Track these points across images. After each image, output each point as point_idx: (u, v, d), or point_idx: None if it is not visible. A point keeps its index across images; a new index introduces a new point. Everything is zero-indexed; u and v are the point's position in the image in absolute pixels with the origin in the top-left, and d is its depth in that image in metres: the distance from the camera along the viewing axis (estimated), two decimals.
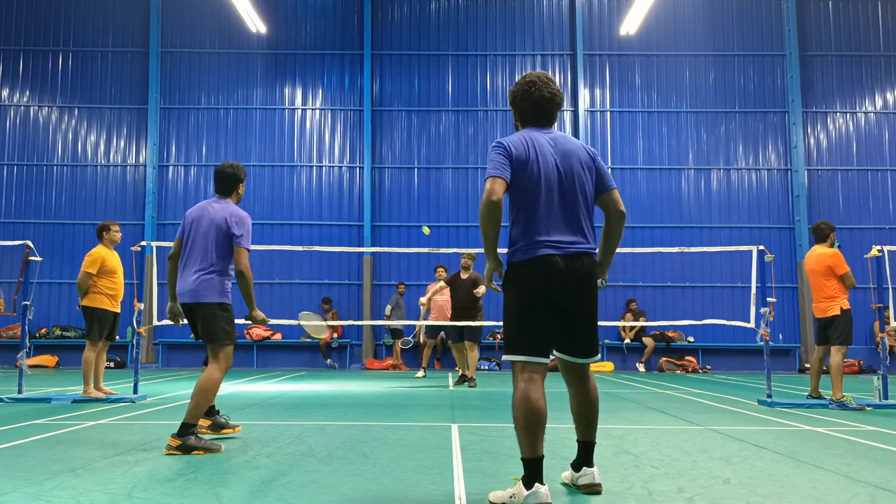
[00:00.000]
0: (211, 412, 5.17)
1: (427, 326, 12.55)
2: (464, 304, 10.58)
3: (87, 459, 4.13)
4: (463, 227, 17.03)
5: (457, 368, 11.11)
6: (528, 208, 3.29)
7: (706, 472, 3.91)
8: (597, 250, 3.49)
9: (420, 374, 12.71)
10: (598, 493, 3.37)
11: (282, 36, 17.74)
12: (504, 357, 3.31)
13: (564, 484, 3.59)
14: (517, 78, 3.46)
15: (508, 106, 3.73)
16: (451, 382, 11.21)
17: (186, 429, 4.47)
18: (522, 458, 3.12)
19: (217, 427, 5.17)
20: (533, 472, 3.07)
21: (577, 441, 3.50)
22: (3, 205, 17.19)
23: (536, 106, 3.48)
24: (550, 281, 3.21)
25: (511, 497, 3.10)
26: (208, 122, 17.51)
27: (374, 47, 17.60)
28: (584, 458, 3.46)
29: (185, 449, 4.40)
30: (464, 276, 10.72)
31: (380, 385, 10.76)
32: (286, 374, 13.51)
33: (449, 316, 11.11)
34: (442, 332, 12.94)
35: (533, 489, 3.03)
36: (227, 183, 5.44)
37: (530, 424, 3.11)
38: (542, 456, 3.11)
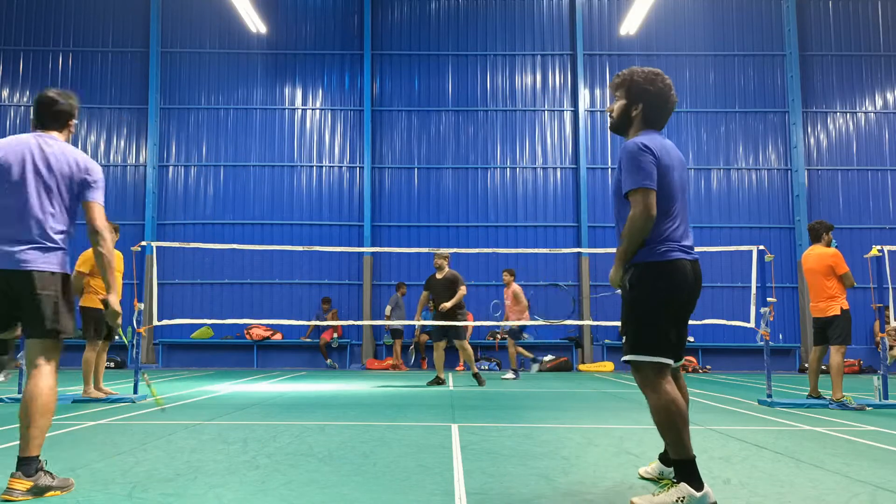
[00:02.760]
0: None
1: (430, 330, 12.62)
2: (442, 303, 10.58)
3: (87, 459, 4.13)
4: (463, 227, 17.03)
5: (440, 372, 10.76)
6: (669, 215, 3.26)
7: (706, 472, 3.91)
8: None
9: (510, 375, 12.33)
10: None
11: (282, 36, 17.74)
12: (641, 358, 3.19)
13: (644, 478, 3.66)
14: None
15: (620, 90, 3.42)
16: (451, 382, 11.21)
17: (32, 464, 3.28)
18: (684, 460, 3.04)
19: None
20: (696, 471, 3.03)
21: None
22: None
23: (668, 111, 3.40)
24: (686, 284, 3.25)
25: (679, 500, 2.98)
26: (208, 122, 17.52)
27: (374, 47, 17.60)
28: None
29: (39, 491, 3.24)
30: (439, 276, 10.74)
31: (380, 385, 10.77)
32: (286, 374, 13.51)
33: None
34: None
35: (705, 489, 3.01)
36: (57, 114, 3.68)
37: (685, 424, 3.10)
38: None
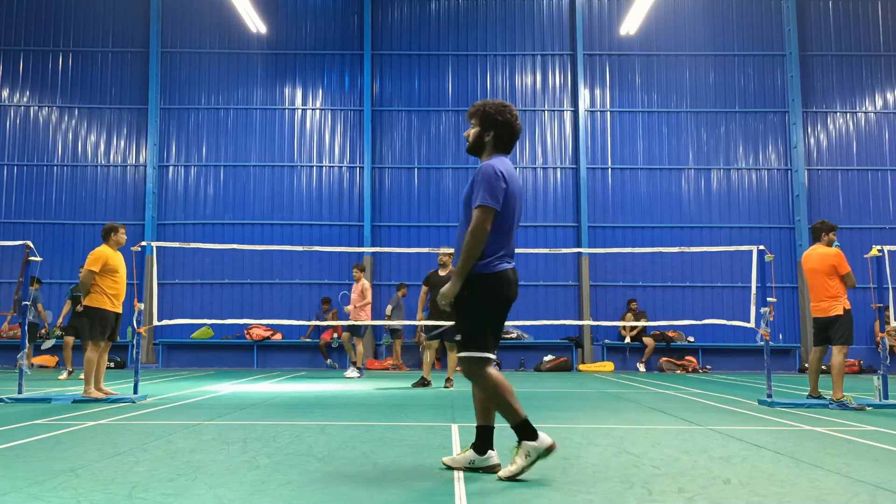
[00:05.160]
0: None
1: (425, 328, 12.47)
2: None
3: (87, 459, 4.13)
4: None
5: (427, 373, 10.56)
6: (504, 233, 3.80)
7: (706, 471, 3.91)
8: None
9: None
10: (498, 472, 3.75)
11: (282, 36, 17.74)
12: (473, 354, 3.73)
13: (448, 467, 3.91)
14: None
15: (475, 119, 4.03)
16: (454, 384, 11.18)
17: None
18: (519, 423, 3.63)
19: None
20: (531, 427, 3.64)
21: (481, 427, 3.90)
22: (3, 205, 17.20)
23: (514, 137, 4.02)
24: (510, 291, 3.80)
25: (527, 456, 3.60)
26: (208, 122, 17.52)
27: (374, 47, 17.60)
28: (487, 442, 3.87)
29: None
30: (442, 273, 10.51)
31: (380, 385, 10.76)
32: (286, 374, 13.51)
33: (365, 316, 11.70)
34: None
35: (540, 437, 3.62)
36: None
37: (513, 395, 3.69)
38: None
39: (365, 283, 12.43)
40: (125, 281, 8.25)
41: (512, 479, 3.61)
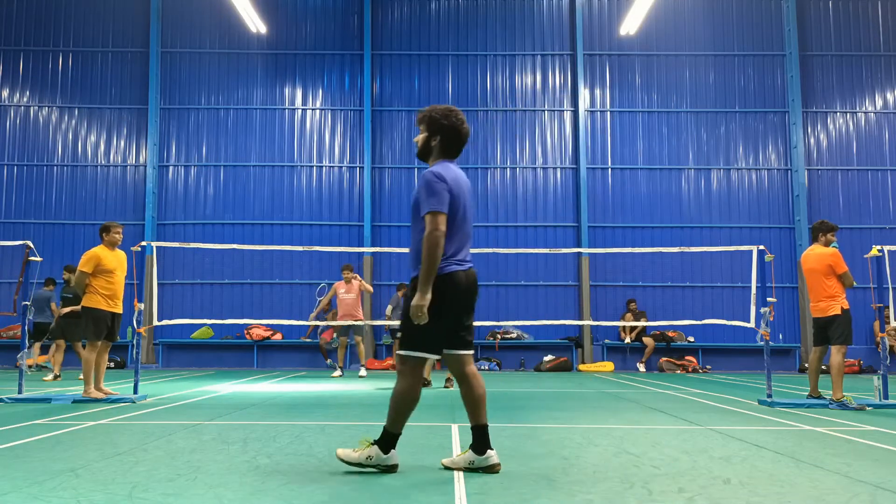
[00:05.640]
0: None
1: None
2: None
3: (87, 459, 4.13)
4: None
5: (427, 374, 10.70)
6: (452, 235, 3.84)
7: (706, 471, 3.91)
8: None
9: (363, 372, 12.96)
10: (498, 471, 3.83)
11: (282, 36, 17.74)
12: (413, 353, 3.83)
13: (450, 468, 3.94)
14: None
15: (422, 125, 4.04)
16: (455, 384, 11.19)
17: None
18: (392, 433, 3.79)
19: None
20: (393, 443, 3.82)
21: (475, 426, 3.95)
22: (3, 205, 17.20)
23: (461, 141, 4.00)
24: (460, 291, 3.84)
25: (367, 458, 3.78)
26: (208, 122, 17.52)
27: (374, 47, 17.60)
28: (486, 441, 3.91)
29: None
30: None
31: (380, 385, 10.76)
32: (286, 374, 13.51)
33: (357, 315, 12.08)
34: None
35: (391, 453, 3.81)
36: None
37: (411, 411, 3.84)
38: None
39: (357, 282, 12.79)
40: (123, 281, 8.21)
41: (344, 462, 3.81)
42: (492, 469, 3.83)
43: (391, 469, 3.80)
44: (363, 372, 12.91)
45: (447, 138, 3.96)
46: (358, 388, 10.09)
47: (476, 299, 4.00)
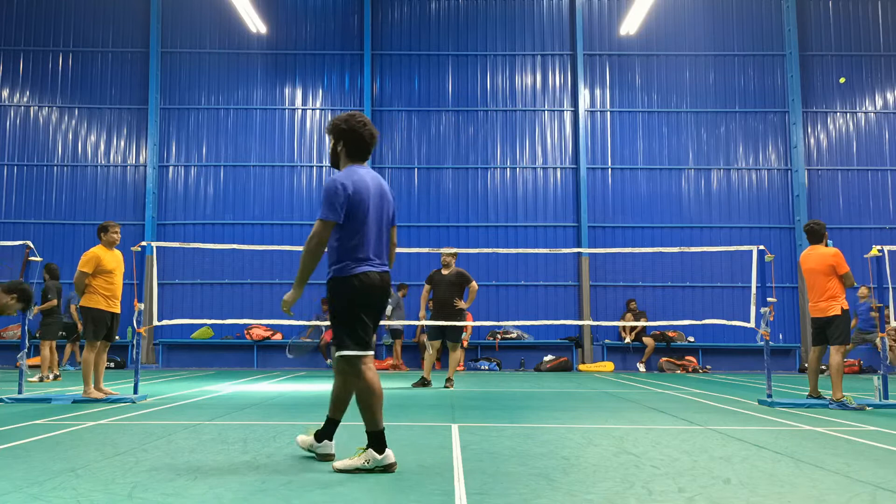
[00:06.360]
0: None
1: (427, 327, 12.41)
2: (447, 301, 10.27)
3: (87, 459, 4.13)
4: (463, 227, 17.04)
5: (427, 373, 10.44)
6: (358, 237, 3.96)
7: (706, 471, 3.91)
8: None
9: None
10: (332, 461, 4.05)
11: (282, 36, 17.75)
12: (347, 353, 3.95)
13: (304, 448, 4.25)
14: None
15: (329, 135, 4.19)
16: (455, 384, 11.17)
17: None
18: (375, 432, 3.83)
19: None
20: (383, 440, 3.85)
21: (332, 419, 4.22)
22: (3, 205, 17.20)
23: (366, 144, 4.10)
24: (374, 291, 3.97)
25: (366, 462, 3.82)
26: (208, 122, 17.52)
27: (374, 47, 17.60)
28: (328, 432, 4.21)
29: None
30: (445, 272, 10.45)
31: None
32: (286, 374, 13.51)
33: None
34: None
35: (386, 453, 3.84)
36: None
37: (380, 403, 3.90)
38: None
39: None
40: (122, 281, 8.21)
41: (341, 471, 3.84)
42: (326, 458, 4.14)
43: (390, 468, 3.84)
44: None
45: (350, 142, 4.08)
46: None
47: (386, 302, 4.12)
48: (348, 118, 4.09)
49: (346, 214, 3.91)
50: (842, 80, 7.23)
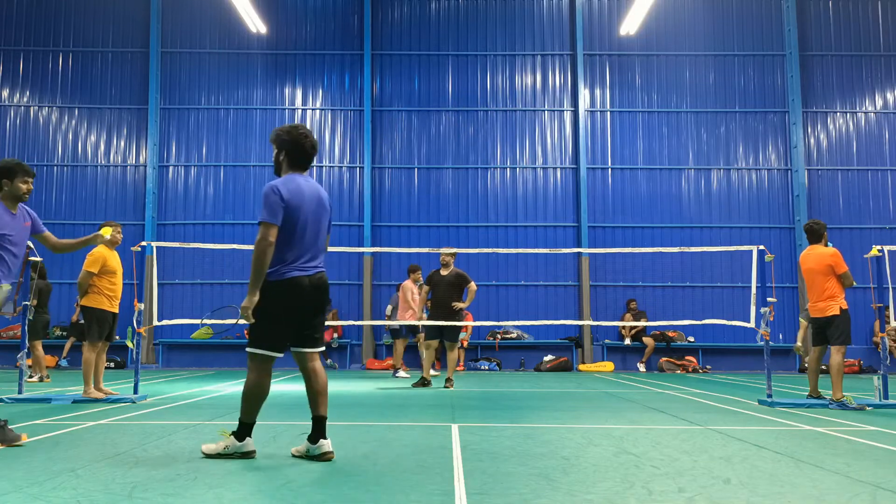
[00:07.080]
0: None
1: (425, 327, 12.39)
2: (445, 301, 10.28)
3: (87, 459, 4.13)
4: (463, 227, 17.04)
5: (426, 373, 10.56)
6: (291, 244, 4.19)
7: (706, 471, 3.91)
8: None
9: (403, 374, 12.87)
10: (331, 459, 4.18)
11: (282, 36, 17.74)
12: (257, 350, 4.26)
13: (296, 456, 4.28)
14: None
15: (273, 144, 4.40)
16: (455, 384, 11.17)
17: None
18: (245, 423, 4.21)
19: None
20: (249, 431, 4.23)
21: (316, 417, 4.30)
22: None
23: (306, 153, 4.34)
24: (303, 294, 4.22)
25: (225, 448, 4.16)
26: (208, 123, 17.52)
27: (374, 47, 17.60)
28: (320, 431, 4.27)
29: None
30: (444, 272, 10.47)
31: (380, 385, 10.76)
32: (286, 374, 13.51)
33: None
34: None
35: (245, 441, 4.21)
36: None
37: (261, 402, 4.28)
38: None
39: (407, 284, 12.65)
40: (122, 281, 8.26)
41: (207, 456, 4.17)
42: (324, 457, 4.17)
43: (248, 454, 4.18)
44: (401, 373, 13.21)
45: (290, 152, 4.32)
46: (357, 389, 10.09)
47: (325, 301, 4.36)
48: (291, 129, 4.32)
49: (282, 220, 4.12)
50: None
